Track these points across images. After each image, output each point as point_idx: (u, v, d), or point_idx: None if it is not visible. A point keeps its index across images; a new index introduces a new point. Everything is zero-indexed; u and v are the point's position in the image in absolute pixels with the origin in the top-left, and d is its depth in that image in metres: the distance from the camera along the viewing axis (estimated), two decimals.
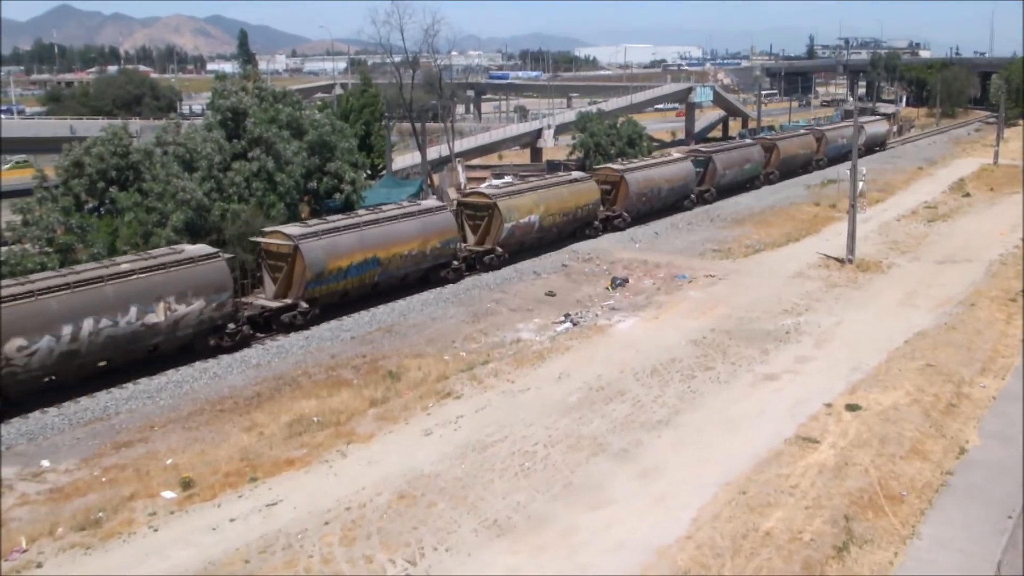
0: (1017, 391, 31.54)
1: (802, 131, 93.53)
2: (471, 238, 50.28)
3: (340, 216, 44.09)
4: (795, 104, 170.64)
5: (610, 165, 64.32)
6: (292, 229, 40.68)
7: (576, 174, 60.13)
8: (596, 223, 58.29)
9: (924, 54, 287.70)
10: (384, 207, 46.71)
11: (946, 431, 28.13)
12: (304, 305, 39.87)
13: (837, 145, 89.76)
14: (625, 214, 60.45)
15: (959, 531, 22.34)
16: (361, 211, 45.73)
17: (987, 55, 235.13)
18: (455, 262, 46.93)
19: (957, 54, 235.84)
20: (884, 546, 21.61)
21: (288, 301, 39.51)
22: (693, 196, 68.60)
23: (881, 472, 25.13)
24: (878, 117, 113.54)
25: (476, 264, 49.09)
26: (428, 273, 46.05)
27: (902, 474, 25.13)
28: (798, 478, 24.78)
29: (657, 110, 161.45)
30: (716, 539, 21.69)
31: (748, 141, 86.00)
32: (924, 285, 45.46)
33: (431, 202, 49.16)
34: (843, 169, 61.09)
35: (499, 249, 49.75)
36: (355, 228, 41.94)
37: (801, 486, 24.32)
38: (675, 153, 77.00)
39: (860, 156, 58.04)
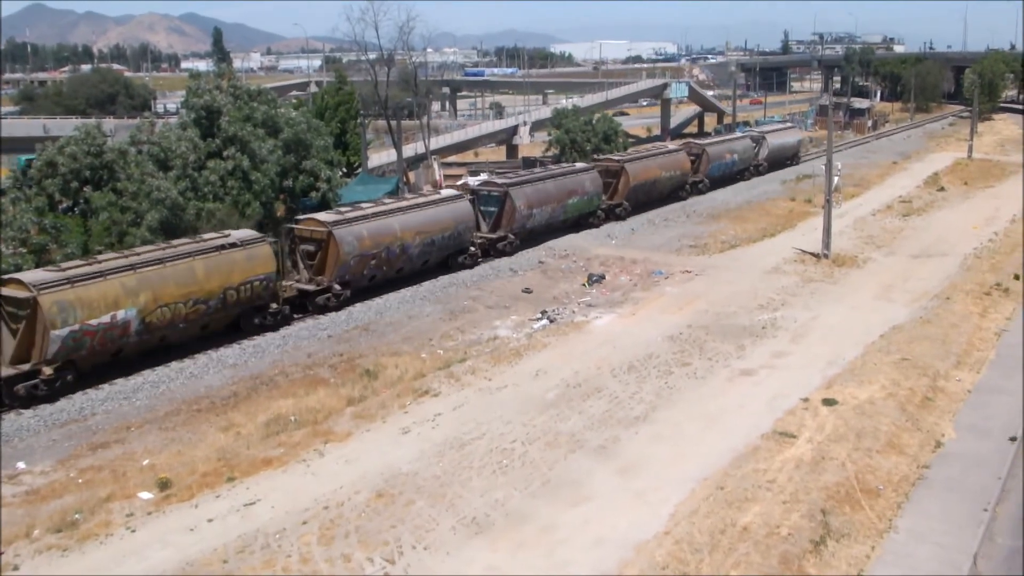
0: (992, 384, 31.80)
1: (671, 147, 76.16)
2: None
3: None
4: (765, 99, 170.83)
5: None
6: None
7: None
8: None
9: (898, 49, 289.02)
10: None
11: (922, 425, 28.31)
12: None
13: (724, 163, 76.66)
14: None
15: (935, 524, 22.49)
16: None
17: (961, 50, 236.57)
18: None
19: (931, 49, 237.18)
20: (861, 540, 21.74)
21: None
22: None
23: (858, 466, 25.26)
24: (788, 124, 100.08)
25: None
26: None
27: (878, 468, 25.28)
28: (775, 473, 24.88)
29: (622, 112, 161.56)
30: (694, 534, 21.75)
31: (565, 168, 62.86)
32: (899, 279, 45.73)
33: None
34: (819, 164, 61.32)
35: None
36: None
37: (778, 481, 24.42)
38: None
39: (760, 173, 63.74)
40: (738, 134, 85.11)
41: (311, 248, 42.29)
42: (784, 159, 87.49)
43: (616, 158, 64.17)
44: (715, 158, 74.08)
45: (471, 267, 49.16)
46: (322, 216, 43.08)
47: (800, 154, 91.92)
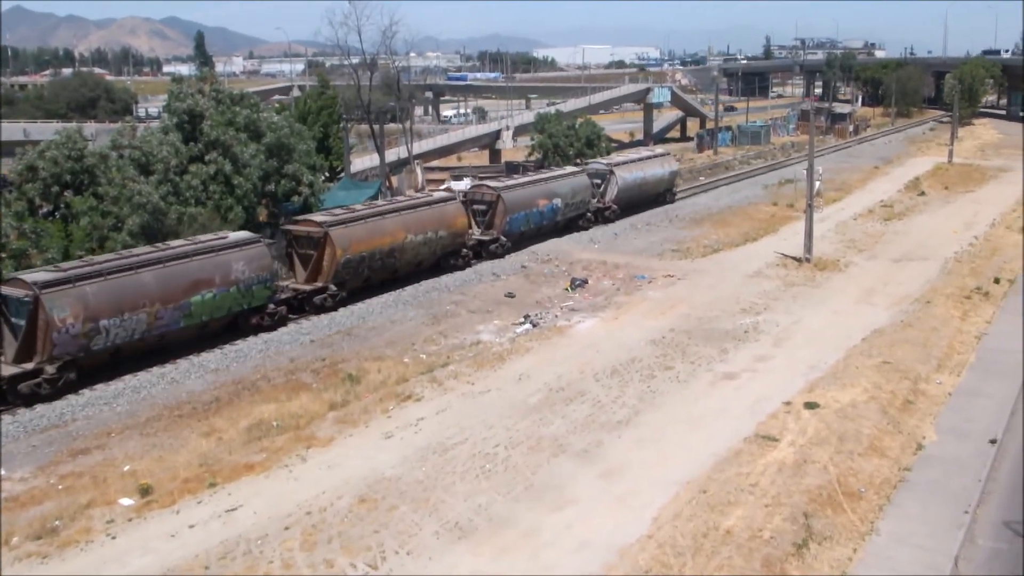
0: (973, 387, 31.96)
1: (441, 193, 57.75)
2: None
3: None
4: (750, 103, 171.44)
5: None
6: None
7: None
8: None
9: (879, 54, 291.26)
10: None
11: (903, 428, 28.43)
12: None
13: (534, 213, 55.78)
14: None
15: (917, 526, 22.57)
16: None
17: (942, 55, 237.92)
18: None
19: (911, 54, 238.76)
20: (843, 542, 21.80)
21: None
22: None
23: (840, 469, 25.34)
24: (659, 152, 74.78)
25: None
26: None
27: (860, 471, 25.36)
28: (758, 476, 24.93)
29: (615, 111, 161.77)
30: (677, 538, 21.77)
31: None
32: (881, 283, 45.93)
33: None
34: (800, 169, 61.58)
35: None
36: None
37: (761, 484, 24.47)
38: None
39: (607, 220, 61.49)
40: (569, 170, 63.12)
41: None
42: (647, 198, 68.61)
43: (318, 219, 43.05)
44: (518, 206, 53.95)
45: (463, 268, 49.86)
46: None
47: (675, 189, 73.49)
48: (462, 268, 49.72)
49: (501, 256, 52.28)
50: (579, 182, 60.19)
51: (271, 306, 39.65)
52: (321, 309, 41.93)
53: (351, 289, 43.44)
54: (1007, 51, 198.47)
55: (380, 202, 48.56)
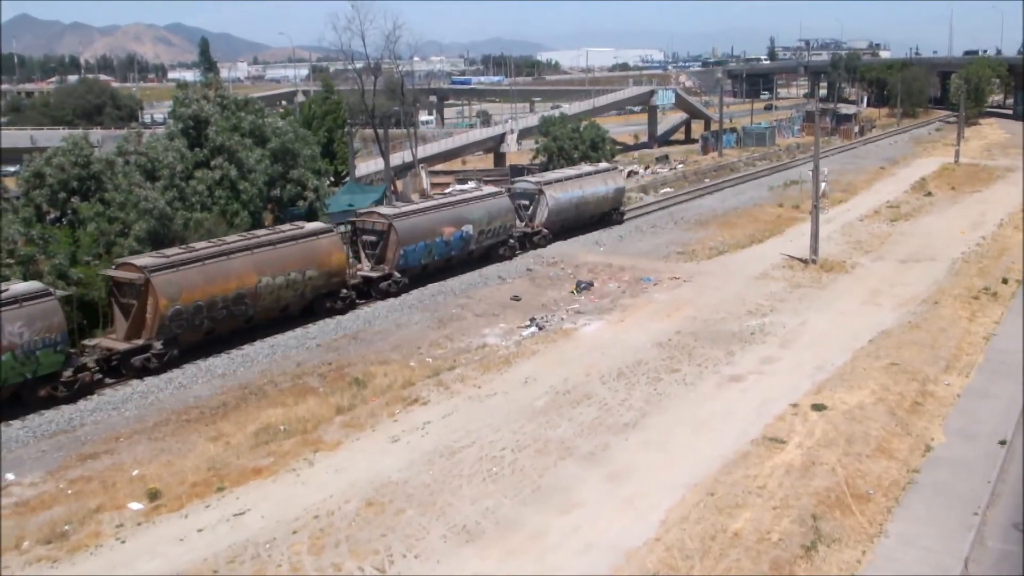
0: (981, 388, 31.89)
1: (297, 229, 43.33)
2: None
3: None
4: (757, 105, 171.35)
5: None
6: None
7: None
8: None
9: (884, 54, 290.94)
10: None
11: (912, 429, 28.36)
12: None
13: (439, 243, 48.26)
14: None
15: (926, 529, 22.51)
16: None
17: (947, 55, 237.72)
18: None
19: (917, 54, 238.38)
20: (852, 545, 21.74)
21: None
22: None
23: (848, 471, 25.28)
24: (603, 167, 65.50)
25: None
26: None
27: (869, 473, 25.30)
28: (765, 478, 24.89)
29: (618, 113, 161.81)
30: (685, 540, 21.74)
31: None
32: (888, 284, 45.86)
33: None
34: (806, 170, 61.51)
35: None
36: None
37: (768, 486, 24.43)
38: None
39: (537, 245, 54.64)
40: (486, 191, 55.84)
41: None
42: (588, 219, 61.23)
43: (139, 263, 35.97)
44: (415, 236, 46.76)
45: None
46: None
47: (623, 207, 65.71)
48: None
49: (395, 295, 45.49)
50: (498, 205, 52.78)
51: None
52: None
53: (187, 346, 37.01)
54: (984, 51, 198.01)
55: (232, 237, 42.08)
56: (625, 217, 65.06)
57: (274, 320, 40.47)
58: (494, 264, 51.73)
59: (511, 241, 53.47)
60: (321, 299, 42.11)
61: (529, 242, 55.37)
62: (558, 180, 58.70)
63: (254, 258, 38.85)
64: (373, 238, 46.31)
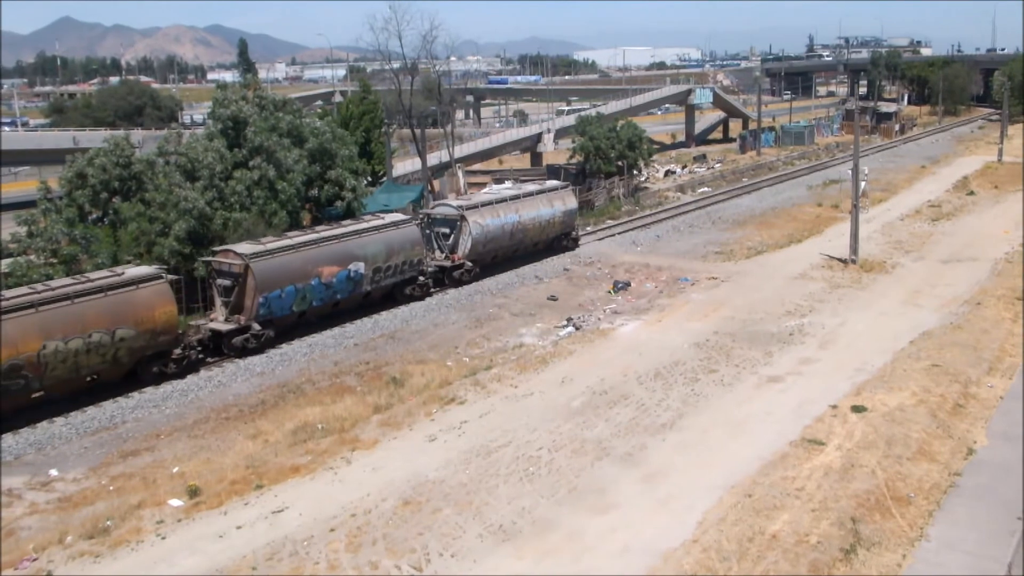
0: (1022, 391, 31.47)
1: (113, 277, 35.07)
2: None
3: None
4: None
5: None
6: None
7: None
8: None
9: (925, 52, 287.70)
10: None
11: (953, 432, 28.04)
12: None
13: (311, 289, 39.89)
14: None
15: (968, 533, 22.23)
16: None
17: (991, 51, 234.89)
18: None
19: (959, 51, 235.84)
20: (892, 548, 21.53)
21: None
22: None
23: (888, 474, 25.05)
24: (551, 186, 56.32)
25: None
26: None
27: (909, 475, 25.05)
28: (804, 480, 24.70)
29: (650, 113, 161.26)
30: (722, 542, 21.63)
31: None
32: (929, 285, 45.39)
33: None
34: (845, 169, 61.01)
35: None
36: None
37: (807, 488, 24.24)
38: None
39: (461, 282, 47.42)
40: (388, 219, 45.64)
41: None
42: (534, 245, 53.58)
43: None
44: (280, 279, 38.73)
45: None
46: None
47: (575, 232, 56.79)
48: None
49: (256, 352, 37.51)
50: (401, 236, 44.52)
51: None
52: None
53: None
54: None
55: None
56: (580, 243, 56.97)
57: (77, 391, 32.60)
58: (402, 305, 44.43)
59: (421, 279, 45.61)
60: (145, 363, 34.39)
61: (448, 278, 48.06)
62: (487, 203, 50.34)
63: (40, 317, 30.87)
64: (228, 282, 38.16)
